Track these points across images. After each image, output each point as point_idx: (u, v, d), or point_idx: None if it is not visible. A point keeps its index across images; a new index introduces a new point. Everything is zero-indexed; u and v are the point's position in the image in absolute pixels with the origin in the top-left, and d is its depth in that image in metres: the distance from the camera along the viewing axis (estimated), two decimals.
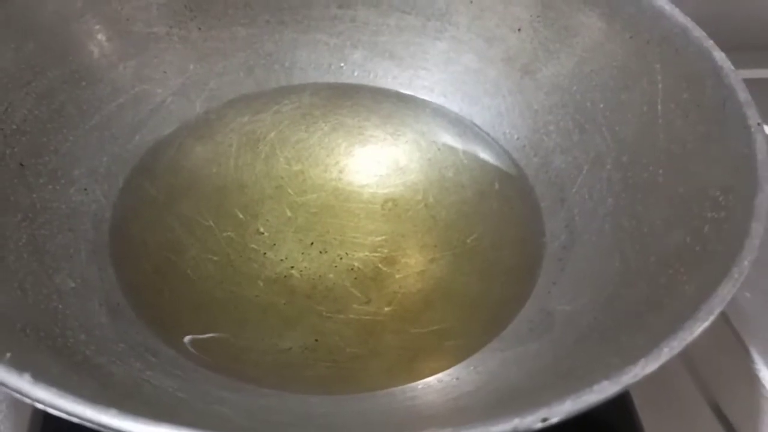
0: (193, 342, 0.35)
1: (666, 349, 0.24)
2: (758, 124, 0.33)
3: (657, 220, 0.35)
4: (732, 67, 0.36)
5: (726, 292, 0.26)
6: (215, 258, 0.40)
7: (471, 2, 0.48)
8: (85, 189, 0.41)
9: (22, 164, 0.38)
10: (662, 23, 0.39)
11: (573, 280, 0.37)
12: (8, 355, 0.24)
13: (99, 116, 0.43)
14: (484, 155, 0.46)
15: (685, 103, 0.37)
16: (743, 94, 0.34)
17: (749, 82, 0.35)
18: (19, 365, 0.23)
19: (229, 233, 0.41)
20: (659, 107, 0.39)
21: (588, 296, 0.35)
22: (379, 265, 0.40)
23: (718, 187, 0.33)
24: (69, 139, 0.41)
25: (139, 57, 0.46)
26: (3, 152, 0.37)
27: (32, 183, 0.38)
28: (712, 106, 0.36)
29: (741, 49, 0.43)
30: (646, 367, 0.24)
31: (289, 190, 0.43)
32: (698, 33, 0.38)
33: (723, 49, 0.37)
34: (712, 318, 0.25)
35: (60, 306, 0.33)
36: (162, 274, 0.38)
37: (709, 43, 0.37)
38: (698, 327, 0.25)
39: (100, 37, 0.44)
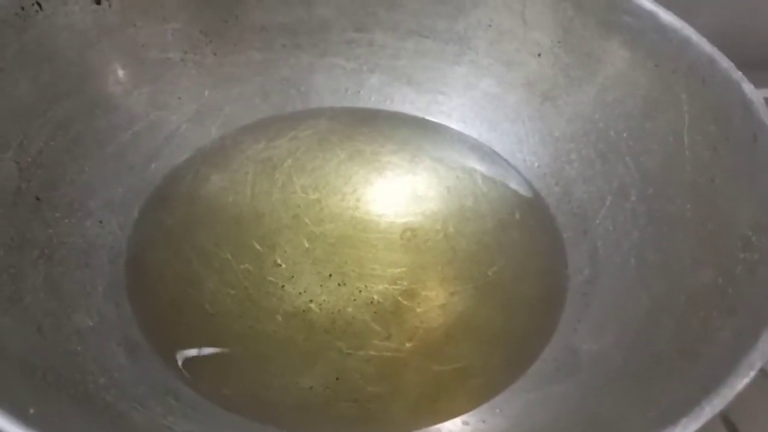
0: (212, 381, 0.34)
1: (707, 408, 0.23)
2: None
3: (685, 257, 0.35)
4: (762, 101, 0.35)
5: (767, 346, 0.25)
6: (233, 291, 0.39)
7: (489, 26, 0.47)
8: (101, 221, 0.40)
9: (38, 198, 0.37)
10: (688, 53, 0.39)
11: (599, 316, 0.37)
12: (32, 411, 0.23)
13: (115, 145, 0.42)
14: (504, 183, 0.45)
15: (712, 135, 0.37)
16: None
17: None
18: (44, 424, 0.22)
19: (246, 265, 0.40)
20: (685, 138, 0.38)
21: (615, 335, 0.35)
22: (399, 298, 0.39)
23: (749, 226, 0.32)
24: (85, 170, 0.40)
25: (154, 83, 0.45)
26: (19, 187, 0.36)
27: (48, 217, 0.37)
28: (741, 140, 0.35)
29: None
30: (687, 427, 0.23)
31: (306, 220, 0.43)
32: (726, 64, 0.37)
33: (746, 66, 0.36)
34: (753, 373, 0.25)
35: (79, 347, 0.33)
36: (179, 309, 0.38)
37: (738, 75, 0.36)
38: (740, 383, 0.24)
39: (116, 64, 0.43)
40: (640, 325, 0.34)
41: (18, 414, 0.22)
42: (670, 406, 0.25)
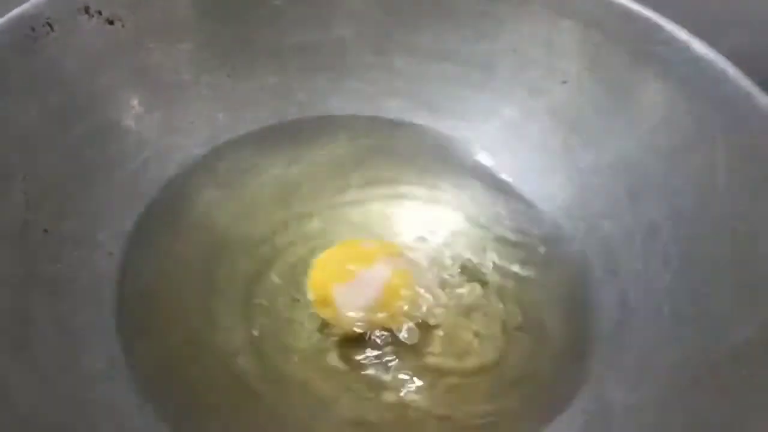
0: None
1: None
2: None
3: (723, 307, 0.33)
4: None
5: None
6: (248, 328, 0.37)
7: (514, 51, 0.45)
8: (110, 253, 0.38)
9: (46, 230, 0.36)
10: (723, 86, 0.37)
11: (630, 367, 0.35)
12: None
13: (125, 172, 0.41)
14: (527, 215, 0.44)
15: (750, 176, 0.35)
16: None
17: None
18: None
19: (261, 300, 0.38)
20: (721, 178, 0.37)
21: (649, 388, 0.33)
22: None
23: None
24: (94, 199, 0.39)
25: (166, 107, 0.44)
26: (26, 220, 0.35)
27: (56, 251, 0.36)
28: None
29: None
30: None
31: (320, 251, 0.41)
32: (763, 100, 0.36)
33: None
34: None
35: (88, 396, 0.31)
36: (193, 348, 0.36)
37: None
38: None
39: (127, 87, 0.42)
40: (675, 380, 0.32)
41: None
42: None
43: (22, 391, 0.29)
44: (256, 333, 0.37)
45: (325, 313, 0.37)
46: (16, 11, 0.36)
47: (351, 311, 0.37)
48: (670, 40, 0.39)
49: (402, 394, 0.35)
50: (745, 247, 0.34)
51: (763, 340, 0.30)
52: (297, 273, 0.40)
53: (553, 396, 0.35)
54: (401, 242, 0.42)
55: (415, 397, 0.35)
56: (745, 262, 0.34)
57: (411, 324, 0.37)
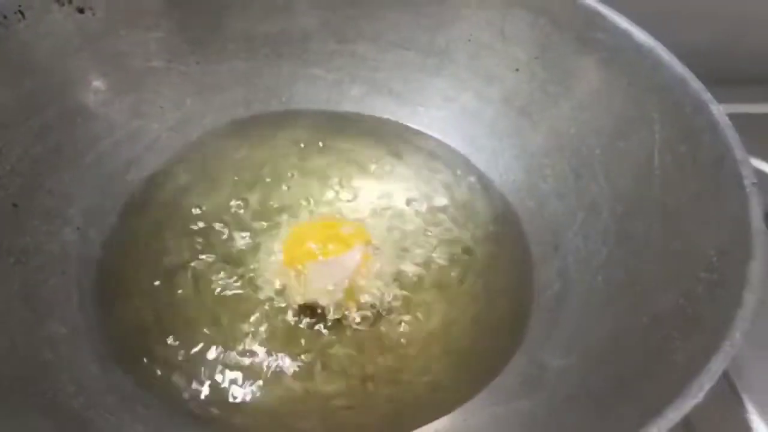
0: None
1: (654, 430, 0.24)
2: (753, 184, 0.33)
3: (651, 277, 0.35)
4: (729, 123, 0.35)
5: (717, 368, 0.26)
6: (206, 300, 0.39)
7: (469, 40, 0.48)
8: (79, 228, 0.41)
9: (15, 204, 0.38)
10: (661, 72, 0.39)
11: (566, 334, 0.37)
12: None
13: (95, 153, 0.43)
14: (480, 195, 0.46)
15: (681, 156, 0.37)
16: (740, 152, 0.34)
17: (735, 117, 0.35)
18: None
19: (221, 275, 0.41)
20: (656, 158, 0.39)
21: (580, 353, 0.35)
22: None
23: (713, 247, 0.33)
24: (64, 178, 0.41)
25: (136, 92, 0.46)
26: None
27: (26, 224, 0.38)
28: (709, 162, 0.35)
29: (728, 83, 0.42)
30: None
31: (286, 228, 0.43)
32: (696, 85, 0.38)
33: (711, 82, 0.37)
34: (701, 394, 0.25)
35: (50, 356, 0.33)
36: (153, 319, 0.38)
37: (707, 96, 0.37)
38: (689, 404, 0.25)
39: (98, 73, 0.44)
40: (604, 344, 0.34)
41: None
42: (625, 426, 0.25)
43: None
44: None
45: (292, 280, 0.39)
46: None
47: (318, 286, 0.39)
48: (613, 28, 0.41)
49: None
50: (672, 221, 0.36)
51: (679, 305, 0.32)
52: (259, 251, 0.42)
53: (493, 360, 0.37)
54: (358, 215, 0.43)
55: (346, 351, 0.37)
56: (671, 235, 0.36)
57: (366, 312, 0.39)
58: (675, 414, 0.24)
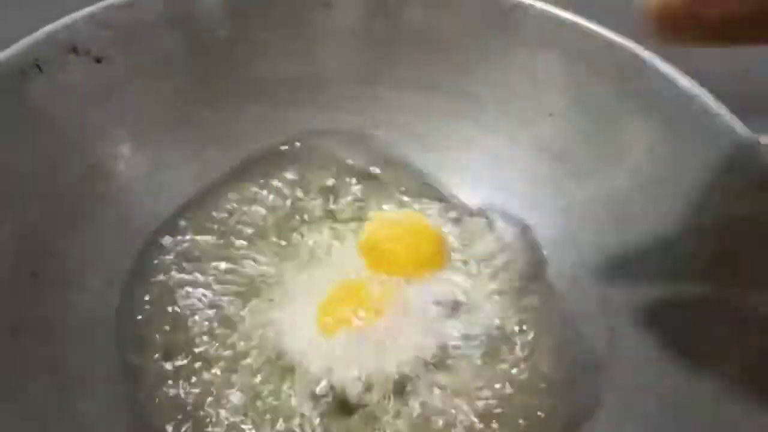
0: None
1: None
2: None
3: (708, 347, 0.34)
4: None
5: None
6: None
7: (499, 84, 0.46)
8: (98, 294, 0.39)
9: (34, 274, 0.36)
10: (708, 122, 0.38)
11: (616, 403, 0.35)
12: None
13: (114, 211, 0.41)
14: (517, 246, 0.44)
15: (732, 213, 0.36)
16: None
17: None
18: None
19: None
20: (708, 218, 0.37)
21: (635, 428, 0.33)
22: None
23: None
24: (83, 240, 0.39)
25: (156, 143, 0.44)
26: (15, 263, 0.35)
27: (45, 294, 0.36)
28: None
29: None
30: None
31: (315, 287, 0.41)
32: (747, 135, 0.36)
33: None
34: None
35: None
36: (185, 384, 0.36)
37: (763, 148, 0.35)
38: None
39: (116, 124, 0.42)
40: (662, 419, 0.33)
41: None
42: None
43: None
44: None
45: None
46: (5, 53, 0.37)
47: None
48: (654, 74, 0.40)
49: None
50: (725, 286, 0.34)
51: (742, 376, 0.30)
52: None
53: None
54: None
55: None
56: (725, 301, 0.34)
57: None
58: None
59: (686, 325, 0.35)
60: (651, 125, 0.40)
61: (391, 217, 0.45)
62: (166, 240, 0.43)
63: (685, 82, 0.39)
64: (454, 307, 0.40)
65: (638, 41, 0.40)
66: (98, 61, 0.41)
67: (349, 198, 0.46)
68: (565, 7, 0.43)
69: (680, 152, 0.39)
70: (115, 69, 0.41)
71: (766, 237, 0.34)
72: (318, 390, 0.36)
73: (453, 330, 0.40)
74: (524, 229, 0.45)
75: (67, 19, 0.39)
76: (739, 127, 0.36)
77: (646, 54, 0.40)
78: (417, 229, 0.44)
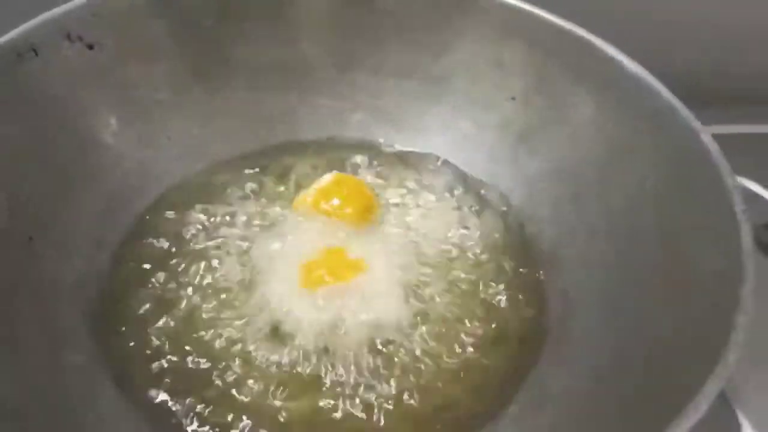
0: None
1: None
2: (743, 210, 0.34)
3: (650, 299, 0.37)
4: (719, 150, 0.37)
5: (713, 389, 0.27)
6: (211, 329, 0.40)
7: (467, 69, 0.49)
8: (90, 258, 0.41)
9: (30, 238, 0.39)
10: (651, 101, 0.41)
11: (569, 356, 0.38)
12: None
13: (105, 184, 0.44)
14: (481, 219, 0.47)
15: (673, 182, 0.39)
16: (730, 180, 0.35)
17: (722, 137, 0.37)
18: None
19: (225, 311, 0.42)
20: (648, 184, 0.40)
21: (583, 375, 0.36)
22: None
23: (708, 271, 0.34)
24: (76, 209, 0.42)
25: (145, 123, 0.47)
26: (11, 227, 0.38)
27: (40, 257, 0.39)
28: (700, 188, 0.37)
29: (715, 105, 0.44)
30: None
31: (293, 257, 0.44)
32: (685, 113, 0.39)
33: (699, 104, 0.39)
34: (699, 414, 0.27)
35: (69, 385, 0.34)
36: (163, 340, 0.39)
37: (697, 125, 0.38)
38: (687, 423, 0.26)
39: (107, 105, 0.45)
40: (606, 366, 0.36)
41: None
42: None
43: (8, 379, 0.32)
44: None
45: None
46: (3, 38, 0.40)
47: None
48: (605, 58, 0.43)
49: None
50: (667, 247, 0.37)
51: (680, 329, 0.33)
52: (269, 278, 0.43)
53: (504, 387, 0.39)
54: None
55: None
56: (669, 259, 0.37)
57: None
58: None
59: (632, 282, 0.38)
60: (601, 105, 0.43)
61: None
62: (156, 212, 0.45)
63: (630, 64, 0.42)
64: None
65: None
66: (90, 47, 0.44)
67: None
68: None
69: (628, 130, 0.42)
70: (106, 54, 0.44)
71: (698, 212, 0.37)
72: None
73: None
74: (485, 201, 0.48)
75: (61, 7, 0.42)
76: (678, 104, 0.39)
77: (598, 41, 0.43)
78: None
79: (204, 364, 0.38)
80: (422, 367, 0.39)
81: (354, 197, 0.45)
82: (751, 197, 0.48)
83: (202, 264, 0.43)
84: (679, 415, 0.27)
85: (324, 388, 0.38)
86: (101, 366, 0.37)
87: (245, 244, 0.44)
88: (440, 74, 0.50)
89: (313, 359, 0.39)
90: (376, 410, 0.37)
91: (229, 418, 0.36)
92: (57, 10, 0.42)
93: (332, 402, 0.37)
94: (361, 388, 0.38)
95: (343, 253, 0.43)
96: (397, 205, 0.48)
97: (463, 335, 0.41)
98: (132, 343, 0.39)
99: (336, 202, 0.45)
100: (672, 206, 0.38)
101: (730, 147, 0.37)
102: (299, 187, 0.48)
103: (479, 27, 0.48)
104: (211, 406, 0.37)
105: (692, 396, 0.27)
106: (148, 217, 0.46)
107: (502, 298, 0.43)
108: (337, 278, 0.41)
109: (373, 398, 0.38)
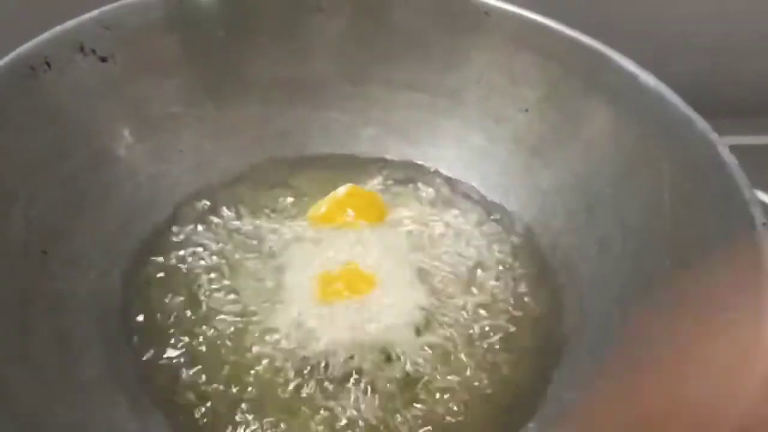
0: None
1: None
2: (764, 224, 0.34)
3: (666, 316, 0.36)
4: (736, 162, 0.37)
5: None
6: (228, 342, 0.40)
7: (479, 82, 0.49)
8: (104, 272, 0.41)
9: (44, 252, 0.39)
10: (667, 113, 0.41)
11: (585, 367, 0.38)
12: None
13: (118, 198, 0.44)
14: (496, 232, 0.47)
15: (690, 194, 0.38)
16: (748, 192, 0.35)
17: (739, 148, 0.37)
18: None
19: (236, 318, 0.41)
20: (665, 196, 0.40)
21: (599, 386, 0.36)
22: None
23: (727, 286, 0.34)
24: (89, 223, 0.42)
25: (157, 137, 0.47)
26: (26, 241, 0.38)
27: (54, 270, 0.39)
28: (717, 201, 0.37)
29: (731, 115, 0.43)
30: None
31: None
32: (702, 125, 0.39)
33: (715, 115, 0.38)
34: None
35: (83, 400, 0.34)
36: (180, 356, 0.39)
37: (714, 136, 0.38)
38: None
39: (120, 119, 0.45)
40: (619, 377, 0.35)
41: None
42: None
43: (23, 394, 0.32)
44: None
45: None
46: (17, 51, 0.40)
47: None
48: (619, 71, 0.43)
49: None
50: (684, 258, 0.37)
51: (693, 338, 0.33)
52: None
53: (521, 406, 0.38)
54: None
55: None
56: (685, 272, 0.37)
57: None
58: None
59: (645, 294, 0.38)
60: (615, 117, 0.43)
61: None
62: (169, 226, 0.45)
63: (645, 76, 0.42)
64: None
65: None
66: (103, 60, 0.44)
67: None
68: (539, 11, 0.46)
69: (642, 142, 0.42)
70: (118, 67, 0.45)
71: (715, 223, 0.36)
72: None
73: None
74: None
75: (74, 21, 0.43)
76: (694, 116, 0.39)
77: (611, 53, 0.43)
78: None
79: (221, 376, 0.38)
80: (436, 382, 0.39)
81: (367, 208, 0.45)
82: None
83: (216, 277, 0.43)
84: None
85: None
86: (115, 379, 0.37)
87: (259, 258, 0.44)
88: (452, 87, 0.50)
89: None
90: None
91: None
92: (70, 23, 0.42)
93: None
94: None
95: (358, 268, 0.42)
96: (409, 218, 0.47)
97: (476, 349, 0.40)
98: (146, 357, 0.39)
99: (350, 213, 0.45)
100: (688, 220, 0.38)
101: (745, 159, 0.37)
102: (313, 200, 0.48)
103: (491, 39, 0.48)
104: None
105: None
106: (161, 231, 0.45)
107: (518, 311, 0.43)
108: (353, 292, 0.41)
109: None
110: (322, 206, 0.46)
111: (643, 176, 0.41)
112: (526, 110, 0.48)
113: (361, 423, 0.37)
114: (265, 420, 0.36)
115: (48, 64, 0.41)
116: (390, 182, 0.50)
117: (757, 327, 0.29)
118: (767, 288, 0.31)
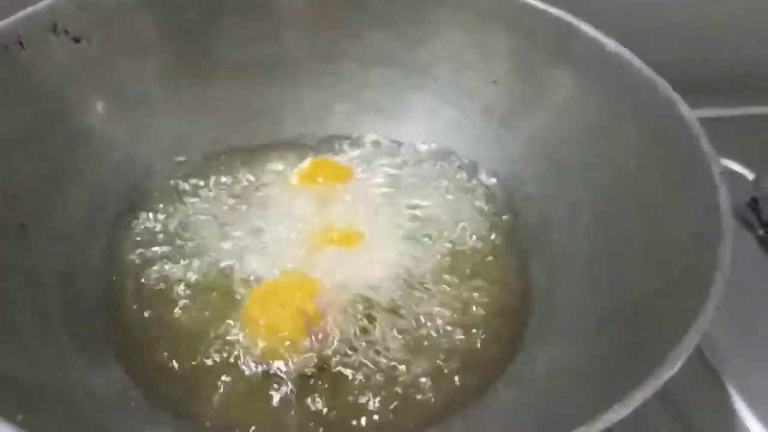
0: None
1: (638, 395, 0.26)
2: (720, 172, 0.35)
3: (631, 266, 0.37)
4: (695, 117, 0.38)
5: (691, 341, 0.28)
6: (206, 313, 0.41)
7: (449, 56, 0.50)
8: (82, 246, 0.42)
9: (23, 225, 0.39)
10: (630, 77, 0.42)
11: (555, 324, 0.39)
12: (20, 417, 0.25)
13: (95, 175, 0.45)
14: (466, 200, 0.48)
15: (654, 154, 0.40)
16: (706, 144, 0.36)
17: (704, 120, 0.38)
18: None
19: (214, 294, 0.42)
20: (631, 158, 0.41)
21: (569, 339, 0.37)
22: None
23: (687, 234, 0.35)
24: (67, 198, 0.42)
25: (133, 116, 0.47)
26: (4, 216, 0.38)
27: (33, 244, 0.39)
28: (680, 157, 0.38)
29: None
30: (619, 412, 0.25)
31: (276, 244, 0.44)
32: (663, 85, 0.40)
33: (683, 91, 0.39)
34: (679, 364, 0.27)
35: (65, 365, 0.34)
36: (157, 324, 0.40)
37: (674, 95, 0.39)
38: (666, 373, 0.27)
39: (96, 98, 0.46)
40: (591, 329, 0.36)
41: (7, 419, 0.25)
42: (609, 396, 0.27)
43: (6, 360, 0.33)
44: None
45: None
46: None
47: None
48: (583, 38, 0.44)
49: None
50: (649, 215, 0.38)
51: (660, 290, 0.34)
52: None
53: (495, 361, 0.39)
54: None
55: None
56: (649, 228, 0.38)
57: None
58: (655, 381, 0.26)
59: (615, 255, 0.39)
60: (581, 85, 0.44)
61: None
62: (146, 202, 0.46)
63: (610, 43, 0.43)
64: None
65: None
66: (77, 40, 0.45)
67: None
68: None
69: (608, 108, 0.43)
70: (92, 48, 0.45)
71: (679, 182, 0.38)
72: None
73: None
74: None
75: (48, 1, 0.43)
76: (660, 82, 0.40)
77: (576, 21, 0.44)
78: None
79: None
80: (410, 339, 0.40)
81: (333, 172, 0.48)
82: (734, 176, 0.49)
83: (197, 251, 0.44)
84: (661, 365, 0.27)
85: None
86: (96, 349, 0.38)
87: (240, 231, 0.45)
88: (423, 62, 0.51)
89: None
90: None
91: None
92: (43, 3, 0.43)
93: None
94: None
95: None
96: (380, 185, 0.48)
97: (448, 309, 0.41)
98: (131, 333, 0.39)
99: (320, 180, 0.47)
100: (653, 177, 0.39)
101: (713, 130, 0.38)
102: (286, 177, 0.49)
103: (460, 14, 0.49)
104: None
105: (674, 347, 0.28)
106: (138, 207, 0.46)
107: (490, 271, 0.44)
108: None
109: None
110: (292, 178, 0.47)
111: (610, 141, 0.43)
112: (495, 82, 0.49)
113: None
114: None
115: (21, 43, 0.42)
116: (363, 154, 0.51)
117: (715, 266, 0.30)
118: (725, 231, 0.32)
